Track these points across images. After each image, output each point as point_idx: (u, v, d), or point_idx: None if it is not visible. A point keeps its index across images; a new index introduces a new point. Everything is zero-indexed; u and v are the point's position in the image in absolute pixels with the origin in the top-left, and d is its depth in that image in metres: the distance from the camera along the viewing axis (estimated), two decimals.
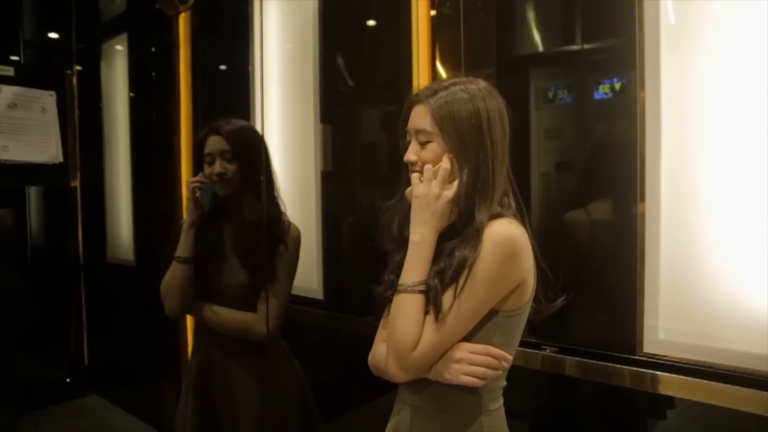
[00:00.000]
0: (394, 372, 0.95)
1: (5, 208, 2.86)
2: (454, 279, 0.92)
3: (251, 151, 1.60)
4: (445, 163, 0.97)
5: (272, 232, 1.58)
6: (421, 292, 0.94)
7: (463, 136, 0.96)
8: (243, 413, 1.58)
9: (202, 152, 1.59)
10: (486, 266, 0.91)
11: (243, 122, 1.64)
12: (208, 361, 1.63)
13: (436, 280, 0.94)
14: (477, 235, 0.93)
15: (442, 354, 0.95)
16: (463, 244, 0.93)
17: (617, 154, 1.39)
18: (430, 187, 0.96)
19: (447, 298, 0.92)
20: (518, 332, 1.01)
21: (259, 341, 1.57)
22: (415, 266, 0.95)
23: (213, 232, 1.61)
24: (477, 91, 0.99)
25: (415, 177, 0.98)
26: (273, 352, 1.65)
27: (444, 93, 0.98)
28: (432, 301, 0.93)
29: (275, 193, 1.65)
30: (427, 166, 0.97)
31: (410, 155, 1.01)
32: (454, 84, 1.00)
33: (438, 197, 0.95)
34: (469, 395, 0.99)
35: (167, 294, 1.56)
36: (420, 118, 0.99)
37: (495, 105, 0.99)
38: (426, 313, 0.94)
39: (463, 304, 0.92)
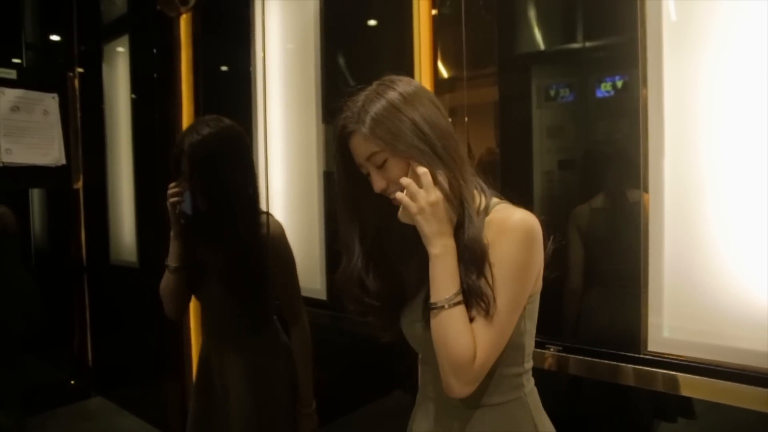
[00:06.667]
0: (460, 389, 0.91)
1: (6, 207, 2.86)
2: (482, 271, 0.91)
3: (211, 169, 1.51)
4: (421, 169, 0.92)
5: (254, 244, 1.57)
6: (459, 303, 0.91)
7: (403, 135, 0.93)
8: (236, 411, 1.60)
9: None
10: (522, 257, 0.91)
11: (212, 130, 1.51)
12: (208, 360, 1.67)
13: (469, 279, 0.91)
14: (477, 220, 0.93)
15: (500, 352, 0.93)
16: (470, 236, 0.92)
17: (620, 151, 1.39)
18: (422, 196, 0.91)
19: (487, 293, 0.90)
20: (537, 312, 1.02)
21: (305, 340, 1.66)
22: (446, 279, 0.91)
23: (201, 241, 1.59)
24: (389, 91, 0.96)
25: (403, 197, 0.93)
26: (272, 352, 1.66)
27: (364, 112, 0.95)
28: (476, 301, 0.91)
29: (256, 205, 1.61)
30: (406, 181, 0.93)
31: (379, 183, 0.97)
32: (367, 98, 0.96)
33: (435, 203, 0.91)
34: (512, 382, 1.00)
35: (163, 298, 1.63)
36: (362, 147, 0.96)
37: (411, 89, 0.97)
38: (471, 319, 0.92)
39: (505, 294, 0.91)
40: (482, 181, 1.02)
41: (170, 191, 1.53)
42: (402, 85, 0.97)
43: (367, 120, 0.94)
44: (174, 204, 1.53)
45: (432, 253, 0.92)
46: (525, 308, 0.97)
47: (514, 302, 0.92)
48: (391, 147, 0.93)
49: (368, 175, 0.99)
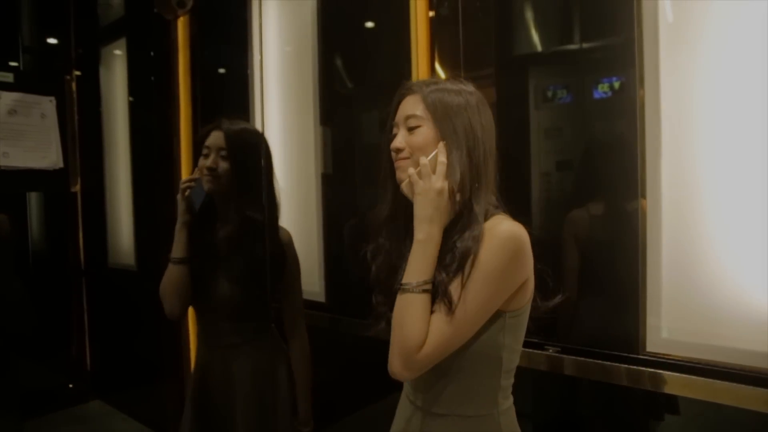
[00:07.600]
0: (400, 371, 0.93)
1: (1, 213, 2.86)
2: (459, 270, 0.91)
3: (247, 154, 1.58)
4: (442, 157, 0.95)
5: (266, 241, 1.57)
6: (426, 291, 0.93)
7: (454, 122, 0.97)
8: (238, 415, 1.57)
9: (202, 146, 1.58)
10: (494, 264, 0.91)
11: (249, 126, 1.65)
12: (208, 365, 1.63)
13: (443, 275, 0.93)
14: (478, 226, 0.93)
15: (450, 352, 0.94)
16: (464, 236, 0.93)
17: (617, 152, 1.39)
18: (432, 182, 0.94)
19: (455, 291, 0.91)
20: (523, 330, 1.02)
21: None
22: (421, 265, 0.94)
23: (207, 234, 1.60)
24: (465, 86, 1.02)
25: (414, 174, 0.96)
26: (270, 355, 1.64)
27: (434, 85, 1.01)
28: (441, 295, 0.92)
29: (274, 199, 1.63)
30: (423, 161, 0.95)
31: (397, 143, 1.00)
32: (444, 81, 1.04)
33: (441, 192, 0.94)
34: (485, 396, 1.00)
35: (164, 295, 1.57)
36: (411, 105, 1.00)
37: (483, 101, 1.03)
38: (432, 311, 0.93)
39: (472, 298, 0.91)
40: (495, 200, 1.03)
41: (184, 179, 1.56)
42: (475, 90, 1.03)
43: (433, 88, 1.00)
44: (184, 189, 1.54)
45: (416, 237, 0.95)
46: (505, 322, 0.97)
47: (479, 306, 0.92)
48: (434, 118, 0.98)
49: (393, 136, 1.03)
